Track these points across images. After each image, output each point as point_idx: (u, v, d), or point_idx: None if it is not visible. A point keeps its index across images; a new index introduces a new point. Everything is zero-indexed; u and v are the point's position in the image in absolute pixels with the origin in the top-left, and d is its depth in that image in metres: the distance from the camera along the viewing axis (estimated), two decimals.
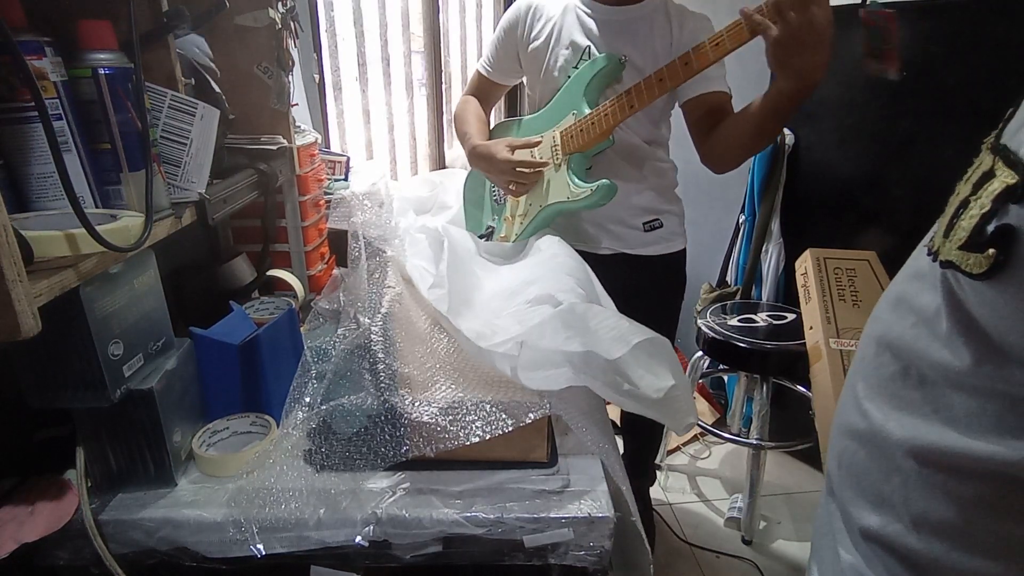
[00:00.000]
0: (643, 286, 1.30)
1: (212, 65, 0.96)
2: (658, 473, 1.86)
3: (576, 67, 1.19)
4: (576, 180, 1.14)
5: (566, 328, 0.81)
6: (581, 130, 1.13)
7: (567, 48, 1.20)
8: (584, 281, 1.01)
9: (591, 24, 1.19)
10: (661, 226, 1.28)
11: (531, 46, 1.26)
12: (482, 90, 1.41)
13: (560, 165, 1.17)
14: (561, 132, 1.17)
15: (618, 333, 0.79)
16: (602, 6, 1.18)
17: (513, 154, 1.20)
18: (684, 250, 1.35)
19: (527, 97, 1.38)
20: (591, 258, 1.23)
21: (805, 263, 1.57)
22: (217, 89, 0.92)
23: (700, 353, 1.78)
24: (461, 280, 1.01)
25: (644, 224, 1.27)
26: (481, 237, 1.35)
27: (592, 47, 1.18)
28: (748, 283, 1.95)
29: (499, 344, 0.80)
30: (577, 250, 1.22)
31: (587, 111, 1.13)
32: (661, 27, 1.16)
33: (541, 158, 1.21)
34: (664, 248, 1.30)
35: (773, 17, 0.87)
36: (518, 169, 1.19)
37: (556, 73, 1.22)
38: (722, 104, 1.13)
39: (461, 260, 1.08)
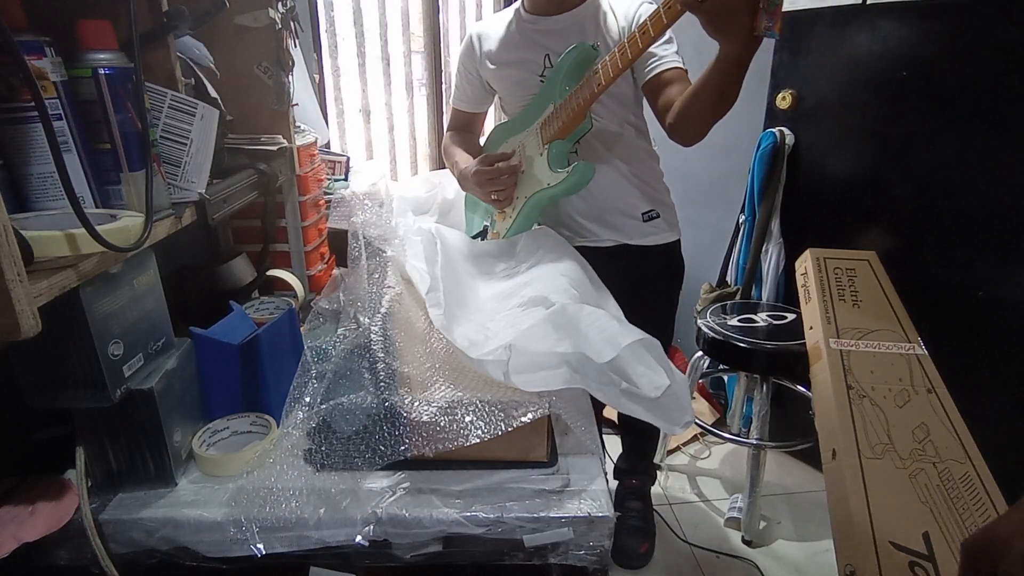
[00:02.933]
0: (646, 276, 1.33)
1: (212, 67, 0.96)
2: (658, 473, 1.85)
3: (542, 75, 1.23)
4: (554, 166, 1.16)
5: (556, 330, 0.81)
6: (557, 116, 1.15)
7: (528, 62, 1.25)
8: (578, 280, 1.01)
9: (542, 35, 1.23)
10: (658, 216, 1.31)
11: (492, 69, 1.30)
12: (462, 122, 1.46)
13: (542, 154, 1.18)
14: (540, 122, 1.20)
15: (608, 335, 0.80)
16: (546, 17, 1.23)
17: (487, 165, 1.23)
18: (679, 240, 1.38)
19: (502, 110, 1.42)
20: (595, 252, 1.25)
21: (805, 263, 1.57)
22: (214, 94, 0.92)
23: (700, 353, 1.77)
24: (455, 282, 1.01)
25: (643, 215, 1.30)
26: (476, 236, 1.36)
27: (550, 55, 1.21)
28: (748, 283, 1.95)
29: (489, 352, 0.80)
30: (580, 246, 1.24)
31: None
32: (608, 19, 1.20)
33: (519, 160, 1.24)
34: (663, 238, 1.33)
35: None
36: (491, 179, 1.22)
37: (525, 86, 1.26)
38: (680, 79, 1.16)
39: (455, 262, 1.08)
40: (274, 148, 1.05)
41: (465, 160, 1.33)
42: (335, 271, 1.33)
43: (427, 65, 2.15)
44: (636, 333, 0.81)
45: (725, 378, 2.15)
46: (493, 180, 1.22)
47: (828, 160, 1.75)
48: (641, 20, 1.16)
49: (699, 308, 1.94)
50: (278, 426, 0.85)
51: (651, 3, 1.20)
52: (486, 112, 1.47)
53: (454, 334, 0.86)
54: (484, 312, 0.98)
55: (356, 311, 0.96)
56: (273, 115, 1.08)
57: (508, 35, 1.27)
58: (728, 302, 1.87)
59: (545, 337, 0.80)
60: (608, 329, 0.81)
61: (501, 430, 0.77)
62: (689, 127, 1.11)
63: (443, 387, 0.82)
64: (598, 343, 0.79)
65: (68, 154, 0.64)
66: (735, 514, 1.72)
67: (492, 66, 1.30)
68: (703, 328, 1.66)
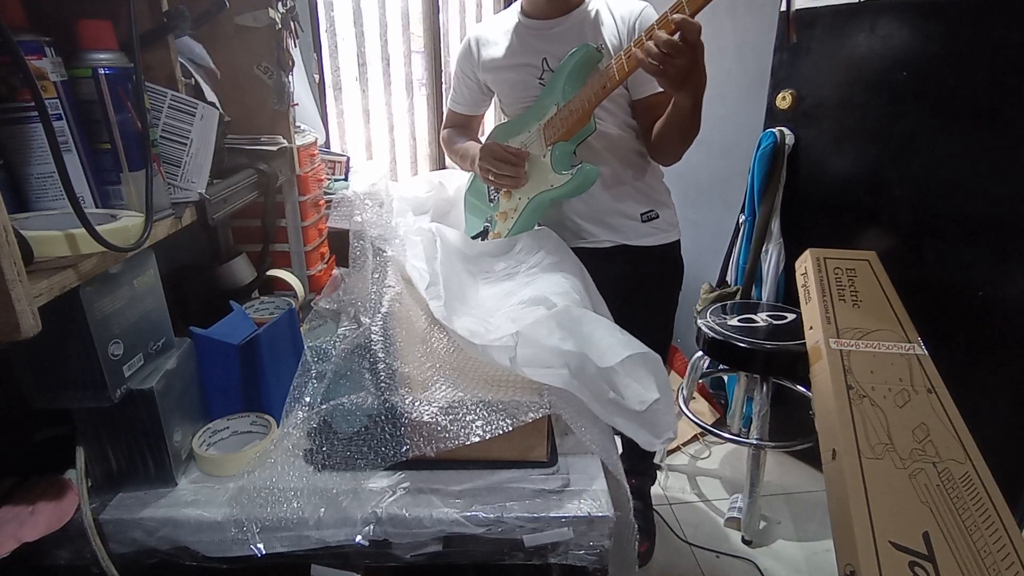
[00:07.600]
0: (644, 277, 1.33)
1: (212, 67, 0.96)
2: (658, 473, 1.85)
3: (541, 79, 1.23)
4: (558, 168, 1.16)
5: (560, 328, 0.81)
6: (561, 117, 1.15)
7: (526, 66, 1.25)
8: (579, 285, 1.01)
9: (540, 39, 1.23)
10: (657, 217, 1.31)
11: (490, 73, 1.31)
12: (459, 124, 1.46)
13: (545, 156, 1.18)
14: (544, 123, 1.19)
15: (609, 344, 0.80)
16: (544, 21, 1.23)
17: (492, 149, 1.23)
18: (679, 241, 1.38)
19: (502, 111, 1.42)
20: (593, 253, 1.25)
21: (805, 263, 1.57)
22: (211, 97, 0.92)
23: (700, 353, 1.78)
24: (455, 279, 1.01)
25: (642, 215, 1.30)
26: (476, 237, 1.36)
27: (548, 59, 1.22)
28: (748, 283, 1.95)
29: (495, 340, 0.80)
30: (579, 247, 1.23)
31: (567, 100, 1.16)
32: (606, 22, 1.21)
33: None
34: (662, 239, 1.33)
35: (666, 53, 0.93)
36: (495, 159, 1.21)
37: (524, 88, 1.27)
38: (665, 103, 1.17)
39: (455, 260, 1.08)
40: (274, 148, 1.05)
41: (475, 147, 1.33)
42: (335, 271, 1.33)
43: (427, 65, 2.15)
44: (637, 346, 0.81)
45: (725, 378, 2.15)
46: (494, 161, 1.21)
47: (828, 160, 1.76)
48: (644, 25, 1.17)
49: (699, 308, 1.95)
50: (278, 426, 0.85)
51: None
52: (483, 115, 1.47)
53: (455, 325, 0.86)
54: (484, 308, 0.98)
55: (356, 311, 0.96)
56: (273, 115, 1.08)
57: (506, 39, 1.27)
58: (728, 302, 1.87)
59: (550, 334, 0.81)
60: (610, 339, 0.81)
61: (501, 430, 0.77)
62: (665, 155, 1.23)
63: (443, 387, 0.82)
64: (600, 349, 0.79)
65: (68, 154, 0.63)
66: (735, 514, 1.72)
67: (490, 70, 1.30)
68: (703, 328, 1.66)
